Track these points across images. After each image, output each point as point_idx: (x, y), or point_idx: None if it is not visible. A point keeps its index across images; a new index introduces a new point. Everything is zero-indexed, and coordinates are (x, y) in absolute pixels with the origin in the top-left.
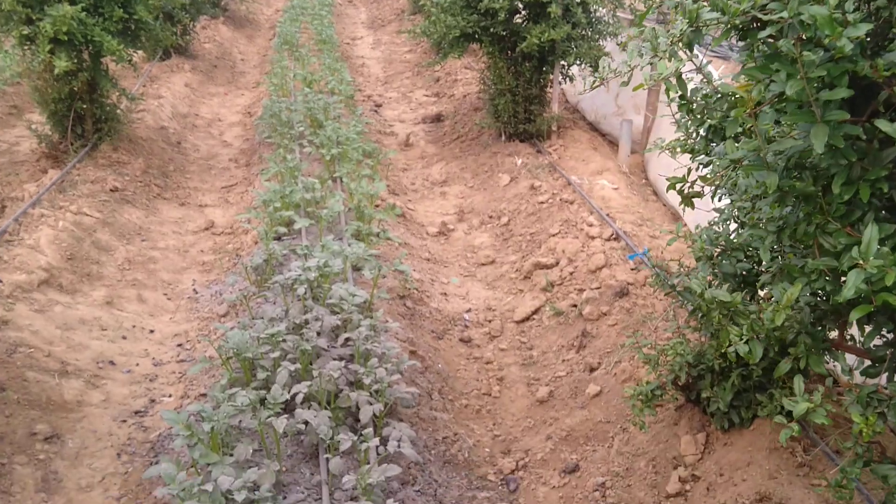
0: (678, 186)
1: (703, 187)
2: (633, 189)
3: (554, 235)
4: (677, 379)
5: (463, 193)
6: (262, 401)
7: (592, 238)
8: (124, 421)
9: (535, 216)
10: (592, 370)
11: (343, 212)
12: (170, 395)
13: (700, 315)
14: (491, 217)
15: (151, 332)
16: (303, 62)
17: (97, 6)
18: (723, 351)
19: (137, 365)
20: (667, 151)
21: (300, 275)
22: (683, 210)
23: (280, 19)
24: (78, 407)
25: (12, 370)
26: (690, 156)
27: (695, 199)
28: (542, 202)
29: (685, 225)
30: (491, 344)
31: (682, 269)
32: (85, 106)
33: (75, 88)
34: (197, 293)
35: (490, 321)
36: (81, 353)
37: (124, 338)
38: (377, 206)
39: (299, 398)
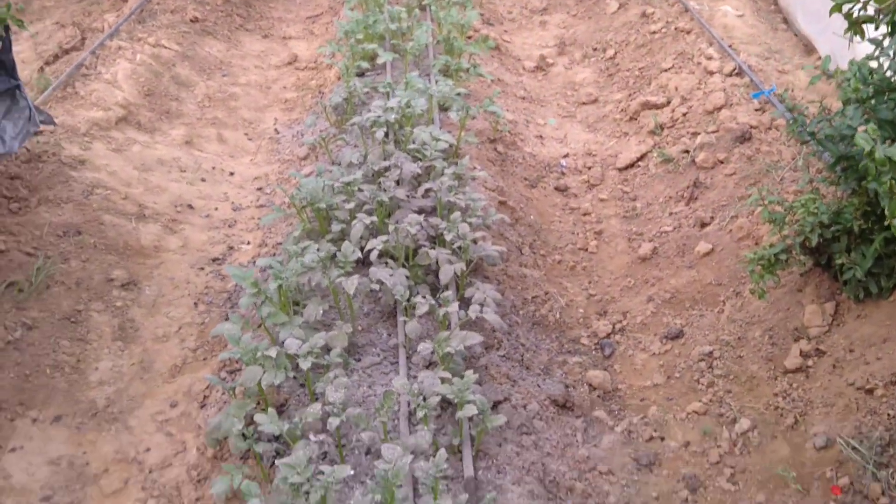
0: (845, 7)
1: (877, 10)
2: (759, 16)
3: (666, 70)
4: (807, 241)
5: (565, 23)
6: (334, 257)
7: (711, 73)
8: (202, 269)
9: (645, 48)
10: (704, 225)
11: (431, 44)
12: (248, 243)
13: (844, 169)
14: (595, 50)
15: (231, 174)
16: None
17: None
18: (866, 210)
19: (216, 209)
20: None
21: (379, 116)
22: (851, 38)
23: None
24: (155, 253)
25: (88, 213)
26: None
27: (830, 27)
28: (653, 32)
29: (820, 58)
30: (589, 193)
31: (823, 112)
32: None
33: None
34: (278, 133)
35: (589, 168)
36: (159, 195)
37: (203, 180)
38: (469, 37)
39: (374, 254)
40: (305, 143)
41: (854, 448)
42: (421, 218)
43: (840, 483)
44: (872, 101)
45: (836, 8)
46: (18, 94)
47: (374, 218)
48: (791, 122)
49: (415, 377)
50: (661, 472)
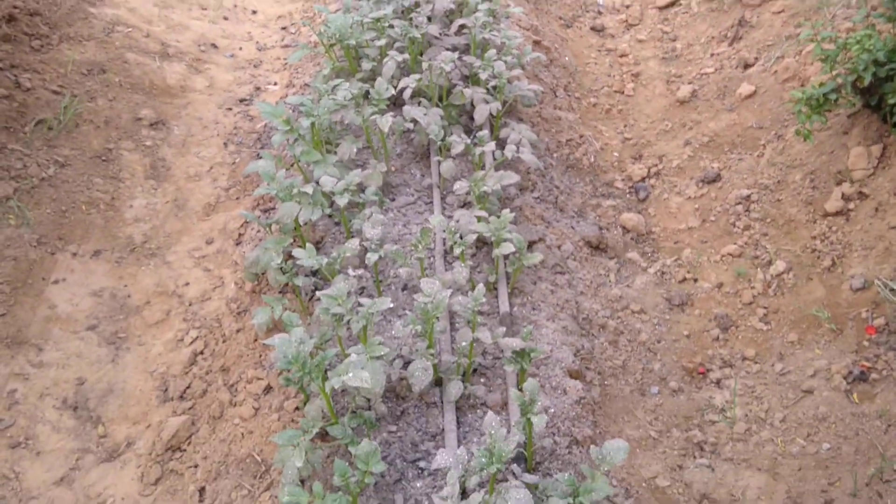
0: None
1: None
2: None
3: None
4: (859, 80)
5: None
6: (367, 95)
7: None
8: (230, 109)
9: None
10: (747, 66)
11: None
12: (275, 84)
13: None
14: None
15: (254, 12)
16: None
17: None
18: None
19: (240, 49)
20: None
21: None
22: None
23: None
24: (182, 92)
25: (111, 51)
26: None
27: None
28: None
29: None
30: (627, 34)
31: None
32: None
33: None
34: None
35: (628, 6)
36: (182, 34)
37: (226, 18)
38: None
39: (407, 93)
40: None
41: (892, 290)
42: (455, 56)
43: (875, 323)
44: None
45: None
46: None
47: (406, 56)
48: None
49: (450, 216)
50: (693, 311)
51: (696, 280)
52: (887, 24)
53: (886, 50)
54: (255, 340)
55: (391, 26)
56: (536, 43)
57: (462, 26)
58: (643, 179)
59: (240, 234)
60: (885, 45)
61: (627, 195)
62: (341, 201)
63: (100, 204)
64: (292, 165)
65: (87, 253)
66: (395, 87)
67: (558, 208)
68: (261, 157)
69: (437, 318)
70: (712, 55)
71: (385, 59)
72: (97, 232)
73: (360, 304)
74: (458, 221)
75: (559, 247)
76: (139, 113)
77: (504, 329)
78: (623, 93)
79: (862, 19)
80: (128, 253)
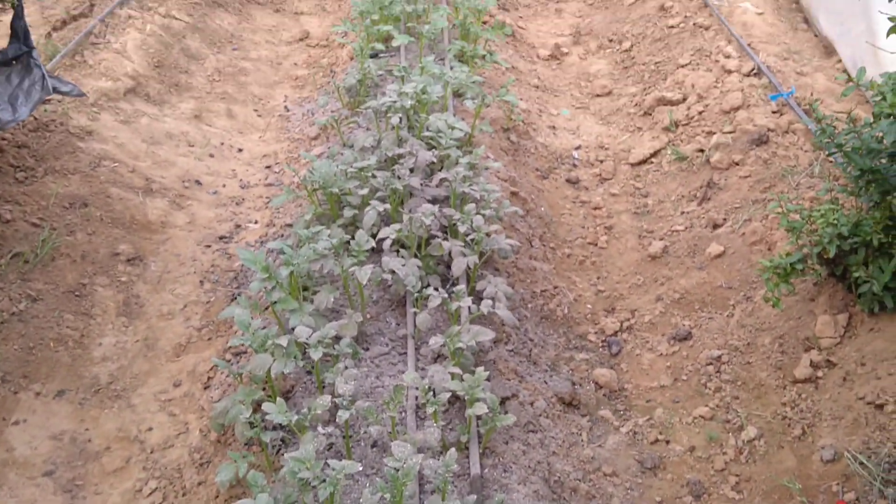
0: None
1: None
2: (780, 14)
3: (683, 66)
4: (824, 252)
5: (581, 11)
6: (347, 245)
7: (729, 72)
8: (208, 246)
9: (662, 42)
10: (716, 227)
11: (447, 28)
12: (255, 222)
13: (868, 182)
14: (611, 41)
15: (240, 150)
16: None
17: None
18: (887, 224)
19: (224, 186)
20: None
21: (395, 101)
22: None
23: None
24: (162, 228)
25: (96, 185)
26: None
27: (855, 25)
28: (671, 26)
29: (840, 61)
30: (601, 187)
31: (850, 124)
32: None
33: None
34: (288, 111)
35: (602, 161)
36: (167, 170)
37: (212, 156)
38: (485, 22)
39: (387, 243)
40: (317, 124)
41: (861, 463)
42: (435, 208)
43: (846, 498)
44: None
45: (893, 30)
46: (31, 60)
47: (388, 205)
48: (818, 132)
49: (423, 369)
50: (666, 476)
51: (668, 442)
52: (850, 198)
53: (850, 224)
54: (217, 497)
55: (374, 176)
56: (514, 194)
57: (443, 179)
58: (616, 333)
59: (209, 378)
60: (849, 219)
61: (600, 349)
62: (315, 355)
63: (68, 341)
64: (267, 308)
65: (50, 393)
66: (376, 236)
67: (532, 362)
68: (236, 298)
69: (407, 484)
70: (683, 213)
71: (367, 209)
72: (63, 371)
73: (328, 466)
74: (432, 377)
75: (532, 403)
76: (117, 248)
77: (474, 497)
78: (597, 245)
79: (825, 192)
80: (92, 394)
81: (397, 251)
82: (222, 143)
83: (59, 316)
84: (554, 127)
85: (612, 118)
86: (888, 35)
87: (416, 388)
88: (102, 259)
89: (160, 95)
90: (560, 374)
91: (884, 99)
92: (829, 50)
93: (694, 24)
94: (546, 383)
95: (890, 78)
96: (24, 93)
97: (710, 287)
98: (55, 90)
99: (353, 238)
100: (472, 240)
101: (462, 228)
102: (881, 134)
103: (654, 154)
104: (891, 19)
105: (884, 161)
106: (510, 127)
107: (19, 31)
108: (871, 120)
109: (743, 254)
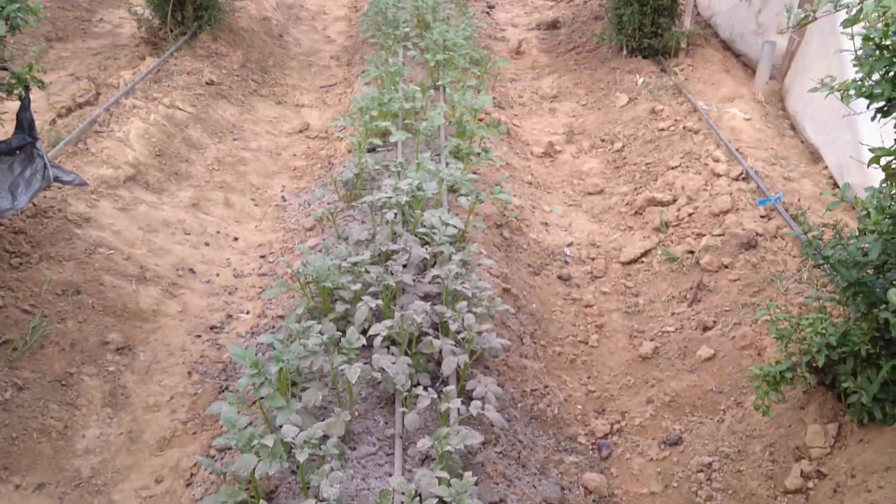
0: (884, 160)
1: None
2: (767, 121)
3: (673, 168)
4: (813, 361)
5: (574, 111)
6: (338, 342)
7: (718, 176)
8: (199, 336)
9: (652, 144)
10: (706, 329)
11: (443, 125)
12: (247, 312)
13: (855, 294)
14: (603, 141)
15: (235, 239)
16: None
17: None
18: (875, 336)
19: (217, 275)
20: (835, 93)
21: (391, 197)
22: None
23: None
24: (153, 317)
25: (90, 272)
26: (869, 102)
27: (841, 134)
28: (662, 129)
29: (826, 168)
30: (592, 285)
31: (837, 237)
32: None
33: None
34: (285, 201)
35: (593, 259)
36: (162, 258)
37: (207, 244)
38: (480, 119)
39: (378, 340)
40: (313, 216)
41: None
42: (427, 306)
43: None
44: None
45: (875, 160)
46: (34, 150)
47: (380, 301)
48: (805, 244)
49: (410, 471)
50: None
51: None
52: (838, 307)
53: (838, 334)
54: None
55: (367, 271)
56: (506, 290)
57: (436, 276)
58: (606, 436)
59: (191, 475)
60: (837, 329)
61: (590, 452)
62: (301, 456)
63: (52, 432)
64: (254, 403)
65: (30, 486)
66: (367, 331)
67: (521, 464)
68: (224, 392)
69: None
70: (673, 314)
71: (359, 304)
72: (44, 463)
73: None
74: (419, 481)
75: None
76: (107, 336)
77: None
78: (587, 343)
79: (814, 300)
80: (72, 488)
81: (388, 347)
82: (218, 232)
83: (44, 406)
84: (546, 223)
85: (603, 216)
86: (869, 165)
87: (403, 493)
88: (91, 348)
89: (160, 183)
90: (549, 478)
91: (868, 216)
92: (815, 156)
93: (684, 127)
94: (535, 487)
95: (874, 195)
96: (25, 181)
97: (701, 391)
98: (56, 179)
99: (344, 334)
100: (463, 338)
101: (453, 326)
102: (867, 246)
103: (645, 254)
104: (872, 150)
105: (870, 273)
106: (503, 223)
107: (24, 122)
108: (857, 232)
109: (733, 358)
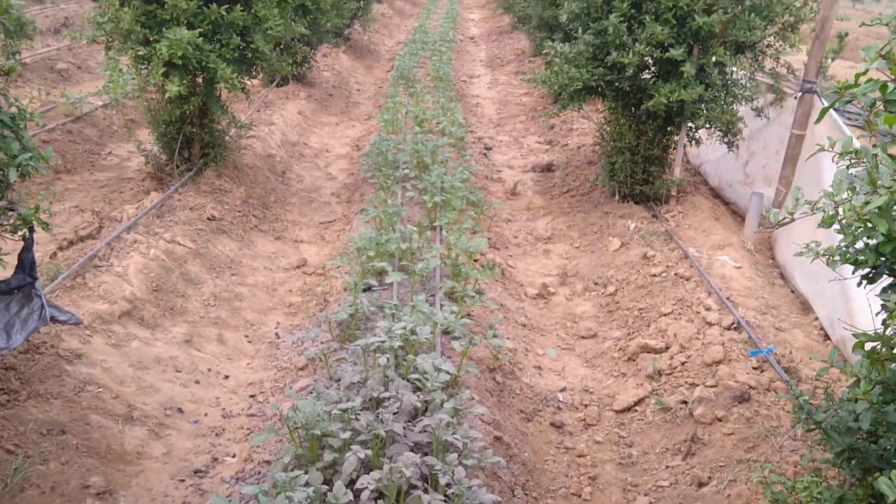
0: (867, 345)
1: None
2: (757, 269)
3: (665, 315)
4: None
5: (568, 253)
6: (324, 496)
7: (710, 324)
8: (182, 480)
9: (645, 289)
10: (701, 485)
11: (439, 266)
12: (233, 455)
13: (849, 459)
14: (596, 284)
15: (226, 377)
16: (417, 98)
17: (215, 32)
18: (870, 502)
19: (206, 415)
20: (821, 258)
21: (384, 341)
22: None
23: (400, 52)
24: (137, 459)
25: (77, 411)
26: (854, 268)
27: (829, 285)
28: (654, 274)
29: (817, 318)
30: (585, 433)
31: (829, 401)
32: (194, 130)
33: (186, 112)
34: (279, 338)
35: (586, 406)
36: (151, 396)
37: (197, 382)
38: (476, 260)
39: (365, 494)
40: (305, 356)
41: None
42: (417, 458)
43: None
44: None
45: (859, 346)
46: (33, 290)
47: (369, 451)
48: (797, 408)
49: None
50: None
51: None
52: (832, 469)
53: (833, 500)
54: None
55: (357, 418)
56: (497, 439)
57: (426, 426)
58: None
59: None
60: (833, 493)
61: None
62: None
63: None
64: None
65: None
66: (355, 481)
67: None
68: None
69: None
70: (667, 467)
71: (348, 454)
72: None
73: None
74: None
75: None
76: (89, 480)
77: None
78: (580, 496)
79: (808, 461)
80: None
81: (375, 500)
82: (209, 370)
83: None
84: (539, 367)
85: (596, 361)
86: (854, 350)
87: None
88: (72, 491)
89: (154, 319)
90: None
91: (857, 384)
92: (805, 306)
93: (675, 273)
94: None
95: (863, 363)
96: (22, 321)
97: None
98: (53, 319)
99: (331, 486)
100: (453, 493)
101: (443, 480)
102: (859, 411)
103: (639, 402)
104: (856, 336)
105: (863, 438)
106: (496, 367)
107: (26, 263)
108: (849, 394)
109: None
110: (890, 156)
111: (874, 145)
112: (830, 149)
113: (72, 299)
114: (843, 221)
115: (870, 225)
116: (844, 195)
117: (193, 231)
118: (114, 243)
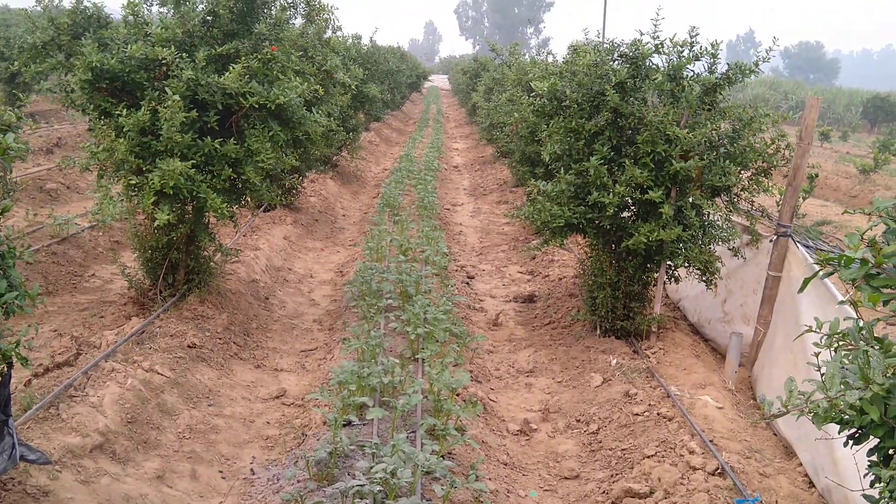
0: None
1: None
2: (739, 410)
3: (649, 457)
4: None
5: (550, 388)
6: None
7: (694, 469)
8: None
9: (628, 429)
10: None
11: (420, 401)
12: None
13: None
14: (578, 421)
15: None
16: (402, 226)
17: (207, 163)
18: None
19: None
20: (806, 413)
21: (363, 485)
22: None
23: (385, 180)
24: None
25: None
26: (840, 427)
27: (812, 430)
28: (636, 413)
29: (801, 464)
30: None
31: None
32: (180, 256)
33: (174, 238)
34: (254, 474)
35: None
36: None
37: None
38: (458, 394)
39: None
40: (281, 497)
41: None
42: None
43: None
44: None
45: None
46: (6, 429)
47: None
48: None
49: None
50: None
51: None
52: None
53: None
54: None
55: None
56: None
57: None
58: None
59: None
60: None
61: None
62: None
63: None
64: None
65: None
66: None
67: None
68: None
69: None
70: None
71: None
72: None
73: None
74: None
75: None
76: None
77: None
78: None
79: None
80: None
81: None
82: None
83: None
84: None
85: None
86: None
87: None
88: None
89: (126, 453)
90: None
91: None
92: (789, 451)
93: (658, 413)
94: None
95: None
96: None
97: None
98: (22, 458)
99: None
100: None
101: None
102: None
103: None
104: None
105: None
106: None
107: (0, 399)
108: None
109: None
110: (876, 338)
111: (860, 328)
112: (818, 330)
113: (43, 431)
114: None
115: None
116: (837, 390)
117: (172, 359)
118: (91, 372)
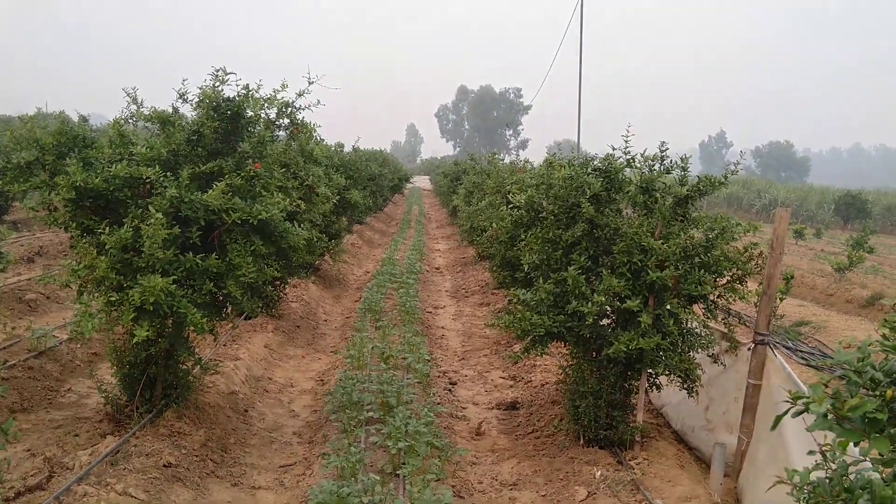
0: None
1: None
2: None
3: None
4: None
5: (534, 502)
6: None
7: None
8: None
9: None
10: None
11: None
12: None
13: None
14: None
15: None
16: (384, 332)
17: (188, 278)
18: None
19: None
20: None
21: None
22: None
23: (368, 284)
24: None
25: None
26: None
27: None
28: None
29: None
30: None
31: None
32: (158, 370)
33: (153, 353)
34: None
35: None
36: None
37: None
38: None
39: None
40: None
41: None
42: None
43: None
44: None
45: None
46: None
47: None
48: None
49: None
50: None
51: None
52: None
53: None
54: None
55: None
56: None
57: None
58: None
59: None
60: None
61: None
62: None
63: None
64: None
65: None
66: None
67: None
68: None
69: None
70: None
71: None
72: None
73: None
74: None
75: None
76: None
77: None
78: None
79: None
80: None
81: None
82: None
83: None
84: None
85: None
86: None
87: None
88: None
89: None
90: None
91: None
92: None
93: None
94: None
95: None
96: None
97: None
98: None
99: None
100: None
101: None
102: None
103: None
104: None
105: None
106: None
107: None
108: None
109: None
110: (846, 489)
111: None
112: (788, 480)
113: None
114: None
115: None
116: None
117: (147, 480)
118: (62, 497)
